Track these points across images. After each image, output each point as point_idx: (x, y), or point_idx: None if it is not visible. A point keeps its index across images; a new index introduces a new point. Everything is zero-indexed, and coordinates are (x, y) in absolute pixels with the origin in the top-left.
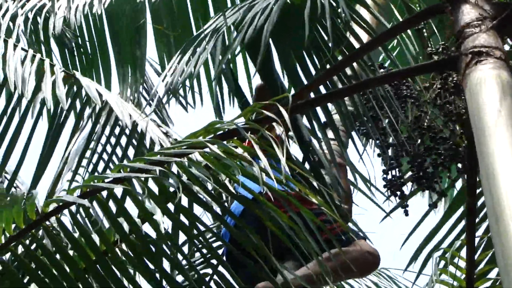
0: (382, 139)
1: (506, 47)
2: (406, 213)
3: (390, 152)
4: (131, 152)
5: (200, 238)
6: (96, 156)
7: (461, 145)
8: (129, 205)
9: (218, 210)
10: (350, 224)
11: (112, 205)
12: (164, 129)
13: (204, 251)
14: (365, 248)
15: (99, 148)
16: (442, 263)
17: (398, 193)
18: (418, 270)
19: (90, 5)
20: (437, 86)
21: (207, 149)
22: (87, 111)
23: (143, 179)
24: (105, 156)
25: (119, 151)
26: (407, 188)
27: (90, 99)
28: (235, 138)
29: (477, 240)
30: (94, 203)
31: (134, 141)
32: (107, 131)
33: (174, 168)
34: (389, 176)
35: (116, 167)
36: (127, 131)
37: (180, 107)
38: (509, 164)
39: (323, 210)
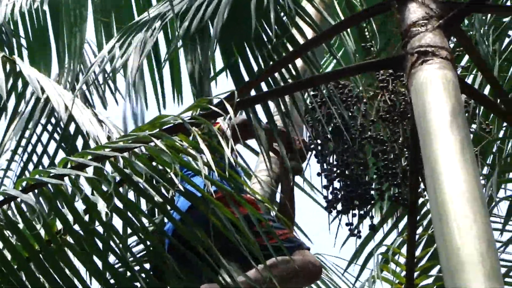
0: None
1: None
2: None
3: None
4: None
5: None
6: (34, 141)
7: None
8: None
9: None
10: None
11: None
12: (100, 117)
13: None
14: (308, 258)
15: (37, 134)
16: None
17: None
18: (360, 267)
19: None
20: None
21: (152, 143)
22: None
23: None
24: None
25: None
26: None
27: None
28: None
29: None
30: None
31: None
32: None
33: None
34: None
35: (62, 160)
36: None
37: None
38: (454, 165)
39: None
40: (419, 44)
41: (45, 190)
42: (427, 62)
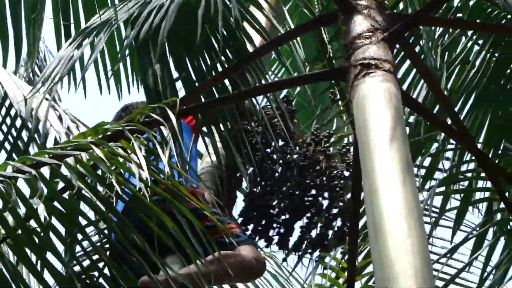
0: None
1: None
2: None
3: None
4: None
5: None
6: None
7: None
8: None
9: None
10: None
11: None
12: (59, 112)
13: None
14: (252, 254)
15: None
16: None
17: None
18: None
19: None
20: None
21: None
22: None
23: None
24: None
25: None
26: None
27: None
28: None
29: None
30: None
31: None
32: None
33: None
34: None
35: (3, 165)
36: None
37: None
38: (392, 179)
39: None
40: (362, 56)
41: None
42: (369, 75)
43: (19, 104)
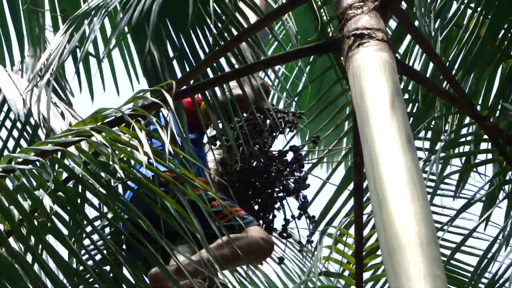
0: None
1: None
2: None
3: None
4: None
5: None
6: None
7: None
8: None
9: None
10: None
11: None
12: (62, 108)
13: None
14: (259, 234)
15: None
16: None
17: None
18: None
19: None
20: None
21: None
22: None
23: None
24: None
25: None
26: None
27: None
28: (124, 124)
29: (365, 217)
30: None
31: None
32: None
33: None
34: None
35: (5, 158)
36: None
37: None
38: (391, 148)
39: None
40: (355, 26)
41: None
42: (363, 45)
43: (15, 102)
